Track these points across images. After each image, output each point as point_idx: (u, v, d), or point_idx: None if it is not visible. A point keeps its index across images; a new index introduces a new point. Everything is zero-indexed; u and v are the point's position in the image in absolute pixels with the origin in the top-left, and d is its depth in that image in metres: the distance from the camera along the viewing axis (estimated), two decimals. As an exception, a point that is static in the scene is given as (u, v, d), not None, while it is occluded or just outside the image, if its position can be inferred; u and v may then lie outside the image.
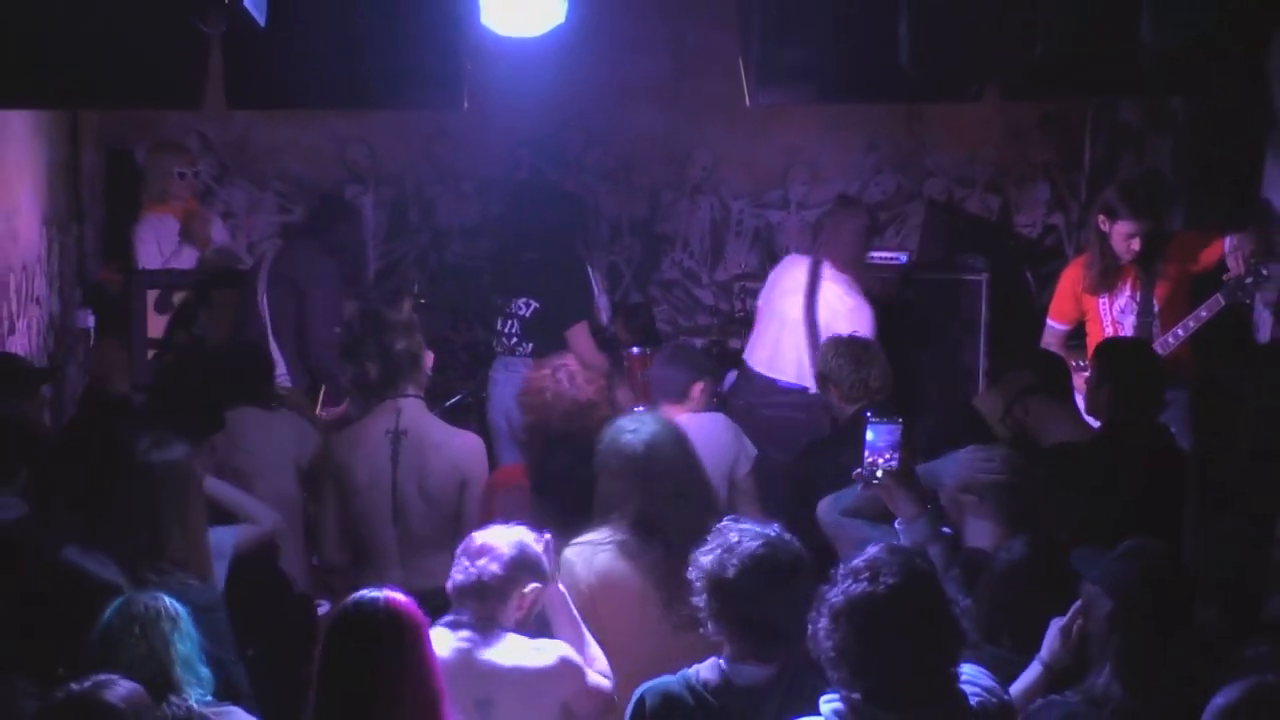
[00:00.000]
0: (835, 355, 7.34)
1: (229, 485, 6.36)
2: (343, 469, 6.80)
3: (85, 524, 5.32)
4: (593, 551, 5.59)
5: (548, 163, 11.25)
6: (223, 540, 5.67)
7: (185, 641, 4.60)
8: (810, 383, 8.33)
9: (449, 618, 5.04)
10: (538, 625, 5.23)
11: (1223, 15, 7.21)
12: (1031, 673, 4.68)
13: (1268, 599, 5.39)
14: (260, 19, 7.01)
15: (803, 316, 8.86)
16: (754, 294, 11.21)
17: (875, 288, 9.36)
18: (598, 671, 5.17)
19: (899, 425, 5.27)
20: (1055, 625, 4.70)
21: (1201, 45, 7.38)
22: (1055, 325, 8.47)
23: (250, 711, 4.84)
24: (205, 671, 4.63)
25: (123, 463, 5.39)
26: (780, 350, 8.97)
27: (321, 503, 6.90)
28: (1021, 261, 10.76)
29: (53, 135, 9.74)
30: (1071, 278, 8.44)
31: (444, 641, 4.91)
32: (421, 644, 4.39)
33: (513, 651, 4.98)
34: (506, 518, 5.37)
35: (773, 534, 4.65)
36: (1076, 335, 8.41)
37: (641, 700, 4.56)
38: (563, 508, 5.87)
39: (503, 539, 5.07)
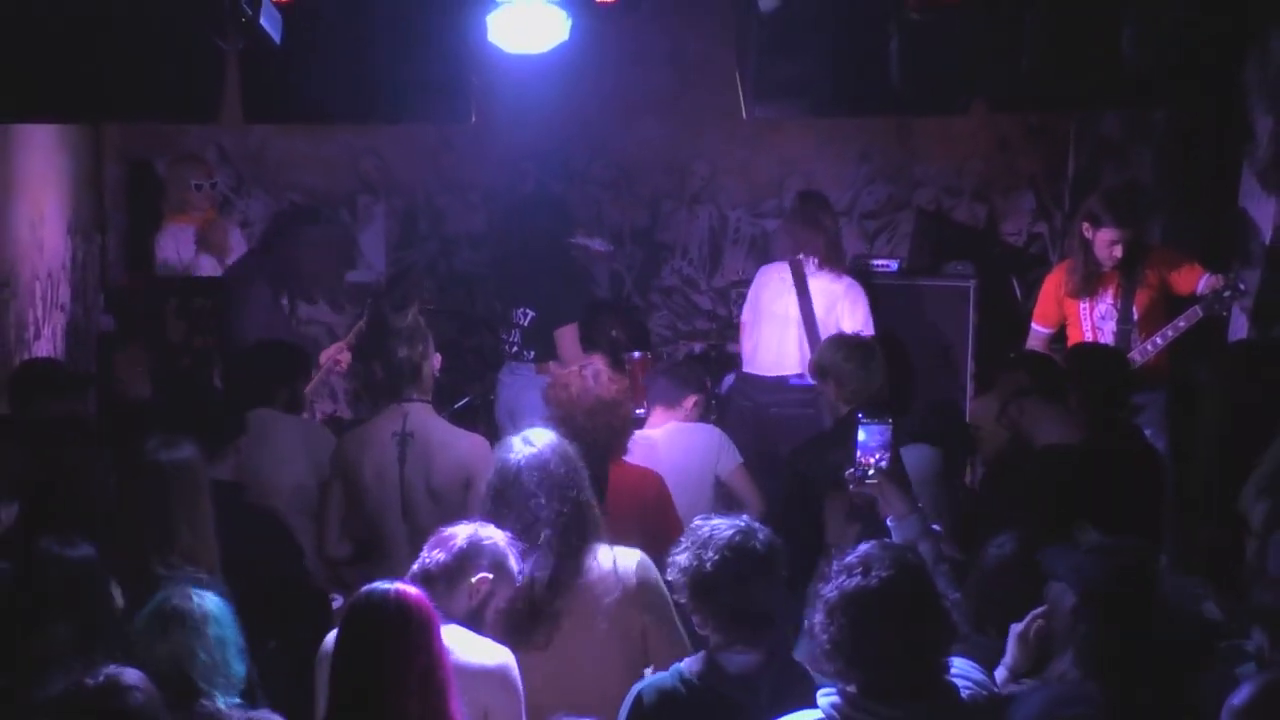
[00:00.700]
0: (836, 353, 7.33)
1: None
2: (352, 468, 6.80)
3: (101, 519, 5.36)
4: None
5: (552, 174, 11.25)
6: None
7: (213, 643, 4.57)
8: (819, 377, 8.33)
9: None
10: None
11: (1201, 32, 7.24)
12: (996, 678, 4.68)
13: (1250, 590, 5.36)
14: (276, 36, 7.04)
15: (799, 314, 8.90)
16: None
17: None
18: None
19: (890, 425, 5.27)
20: (1014, 631, 4.70)
21: (1180, 61, 7.41)
22: (1038, 328, 8.50)
23: (266, 700, 4.85)
24: (238, 671, 4.60)
25: (134, 462, 5.41)
26: (784, 349, 9.02)
27: (327, 498, 6.90)
28: (1007, 268, 10.75)
29: (77, 148, 9.76)
30: (1055, 283, 8.47)
31: None
32: (431, 635, 4.37)
33: (455, 644, 4.72)
34: None
35: (742, 523, 4.65)
36: (1059, 339, 8.44)
37: (639, 698, 4.55)
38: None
39: (462, 531, 4.96)
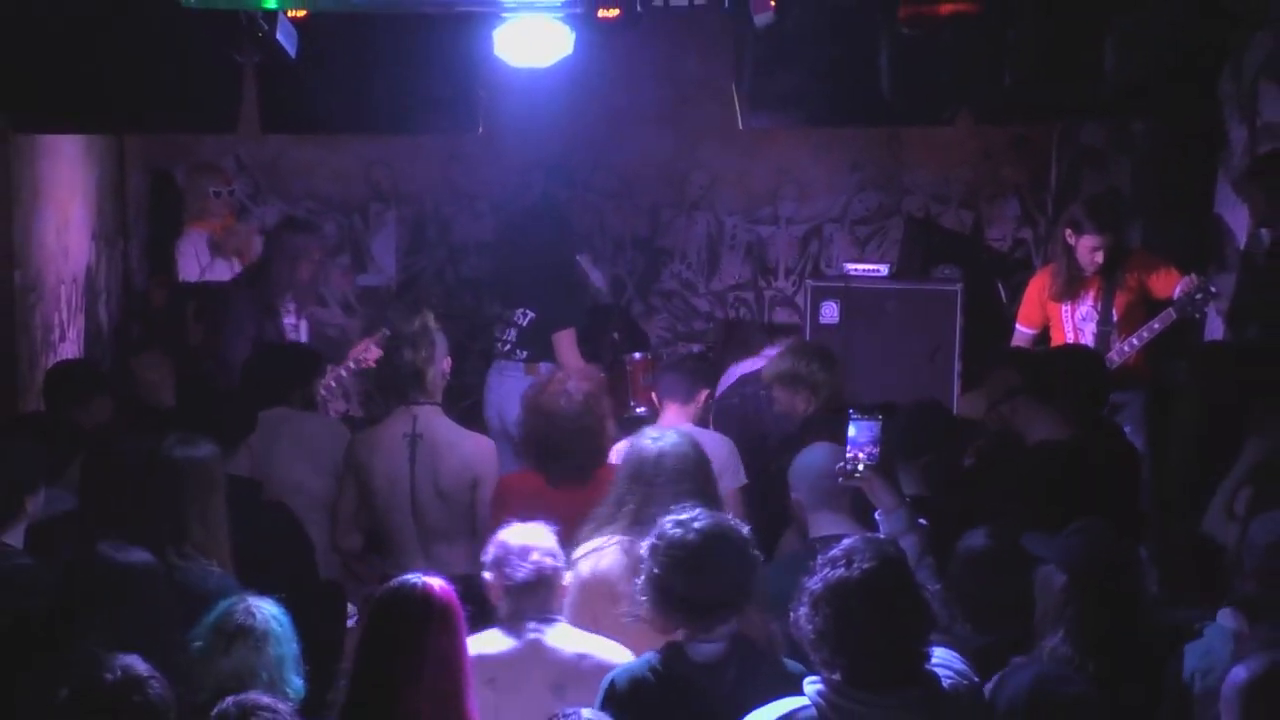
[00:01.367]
0: (805, 358, 7.31)
1: None
2: (363, 467, 6.82)
3: (121, 513, 5.38)
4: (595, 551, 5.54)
5: (557, 183, 11.27)
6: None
7: (273, 661, 4.54)
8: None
9: (506, 612, 5.00)
10: None
11: (1178, 47, 7.27)
12: None
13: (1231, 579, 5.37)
14: (291, 51, 7.07)
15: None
16: (746, 303, 11.33)
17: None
18: None
19: (879, 422, 5.28)
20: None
21: (1159, 74, 7.44)
22: (1022, 330, 8.53)
23: None
24: (295, 684, 4.57)
25: (150, 459, 5.44)
26: None
27: (340, 494, 6.91)
28: (993, 272, 10.77)
29: (101, 158, 9.78)
30: (1038, 286, 8.50)
31: (508, 636, 4.94)
32: (455, 630, 4.36)
33: (574, 639, 4.96)
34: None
35: (704, 518, 4.64)
36: (1041, 340, 8.46)
37: (612, 684, 4.53)
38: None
39: (540, 537, 5.04)
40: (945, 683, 4.20)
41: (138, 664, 4.23)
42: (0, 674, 4.61)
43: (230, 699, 4.08)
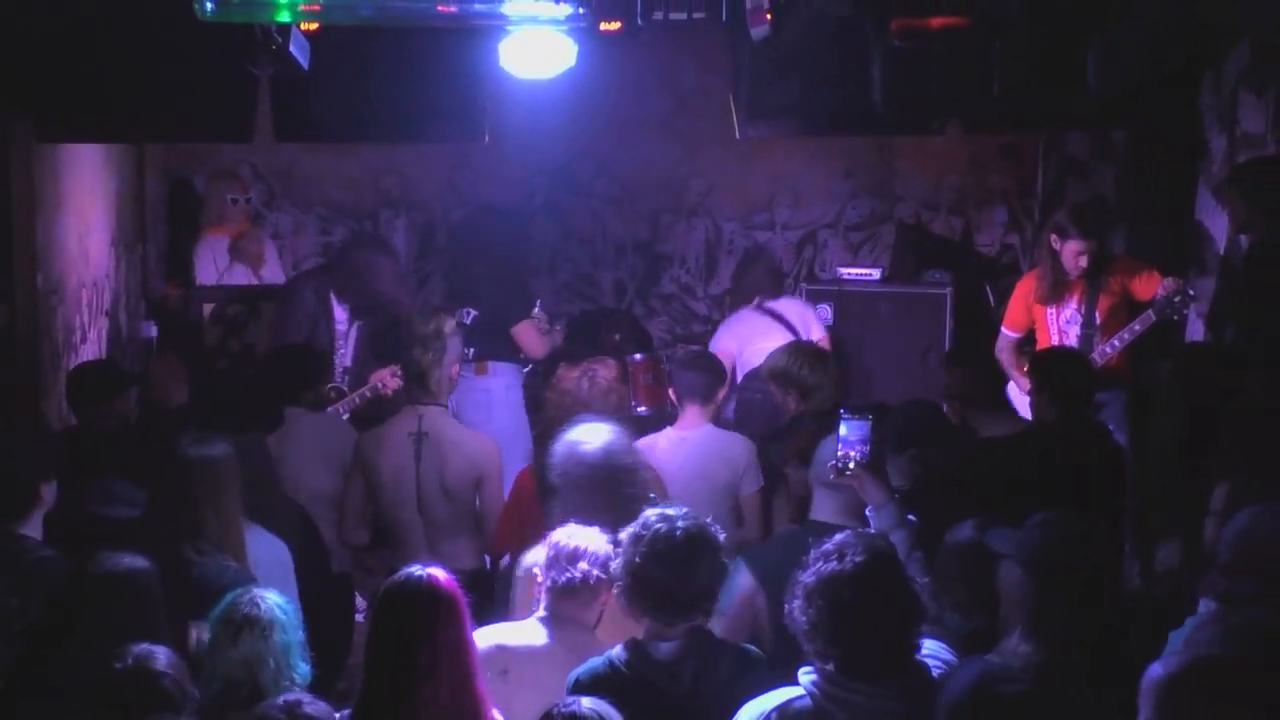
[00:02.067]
0: (797, 358, 7.27)
1: None
2: (370, 464, 6.82)
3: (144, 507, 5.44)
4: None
5: (560, 190, 11.29)
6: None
7: (280, 649, 4.53)
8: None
9: (544, 608, 4.93)
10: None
11: (1159, 59, 7.26)
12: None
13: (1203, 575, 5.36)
14: (304, 62, 7.07)
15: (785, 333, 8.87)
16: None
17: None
18: None
19: (870, 421, 5.28)
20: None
21: (1140, 85, 7.44)
22: (1008, 333, 8.53)
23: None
24: (302, 670, 4.55)
25: (167, 457, 5.44)
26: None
27: (347, 490, 6.92)
28: (981, 277, 10.78)
29: (121, 166, 9.79)
30: (1024, 290, 8.50)
31: (535, 632, 4.89)
32: (460, 618, 4.31)
33: (596, 649, 4.81)
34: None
35: (688, 517, 4.62)
36: (1027, 342, 8.46)
37: (577, 680, 4.51)
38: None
39: (593, 541, 4.95)
40: (934, 672, 4.22)
41: (156, 653, 4.25)
42: (29, 663, 4.63)
43: (280, 699, 4.08)
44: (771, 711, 4.14)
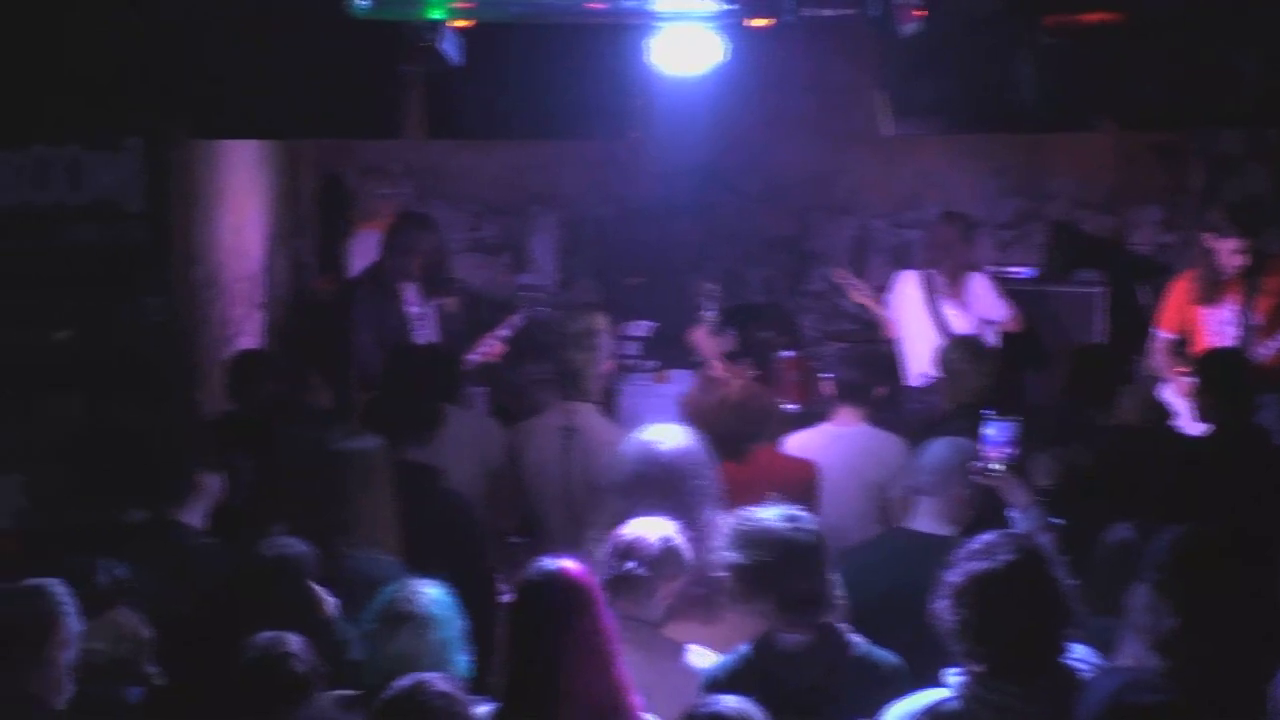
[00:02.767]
0: (955, 348, 7.26)
1: None
2: (519, 457, 6.87)
3: (291, 504, 5.50)
4: None
5: (706, 187, 11.29)
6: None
7: (437, 645, 4.55)
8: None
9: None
10: None
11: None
12: None
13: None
14: (455, 59, 7.16)
15: (932, 329, 8.83)
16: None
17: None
18: None
19: (1016, 423, 5.24)
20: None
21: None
22: (1163, 334, 8.38)
23: None
24: (460, 665, 4.57)
25: (317, 452, 5.52)
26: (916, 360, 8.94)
27: (496, 483, 6.94)
28: (1135, 277, 10.62)
29: (276, 162, 9.95)
30: (1179, 290, 8.36)
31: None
32: (595, 608, 4.34)
33: (641, 644, 4.79)
34: None
35: (792, 516, 4.64)
36: (1181, 344, 8.32)
37: (714, 679, 4.54)
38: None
39: (654, 532, 4.96)
40: (1083, 676, 4.16)
41: (288, 639, 4.31)
42: (187, 649, 4.73)
43: (405, 679, 4.09)
44: (921, 713, 4.12)
